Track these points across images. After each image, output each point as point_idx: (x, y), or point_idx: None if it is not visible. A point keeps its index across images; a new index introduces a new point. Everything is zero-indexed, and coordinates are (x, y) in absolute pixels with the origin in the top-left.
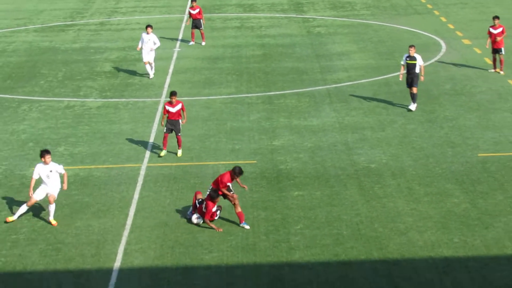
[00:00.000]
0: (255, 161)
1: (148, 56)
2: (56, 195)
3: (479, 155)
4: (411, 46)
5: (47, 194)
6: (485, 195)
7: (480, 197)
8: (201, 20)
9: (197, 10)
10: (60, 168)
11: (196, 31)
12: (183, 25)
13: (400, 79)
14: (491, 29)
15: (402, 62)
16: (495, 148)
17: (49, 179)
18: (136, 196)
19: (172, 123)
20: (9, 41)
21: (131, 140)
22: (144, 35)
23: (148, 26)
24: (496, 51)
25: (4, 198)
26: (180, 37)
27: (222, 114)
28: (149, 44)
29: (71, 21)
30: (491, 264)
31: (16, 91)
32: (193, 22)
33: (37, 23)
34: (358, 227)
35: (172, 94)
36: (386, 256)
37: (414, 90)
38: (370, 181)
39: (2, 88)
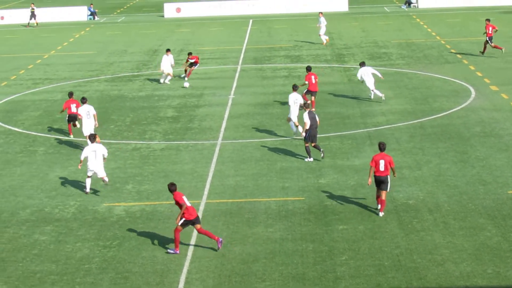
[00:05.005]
0: (303, 198)
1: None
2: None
3: (509, 192)
4: (307, 106)
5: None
6: None
7: (511, 231)
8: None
9: (195, 60)
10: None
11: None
12: (237, 74)
13: (302, 135)
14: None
15: (305, 120)
16: None
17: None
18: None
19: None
20: (83, 89)
21: (191, 179)
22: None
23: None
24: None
25: (78, 230)
26: (234, 85)
27: (273, 155)
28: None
29: (138, 71)
30: None
31: None
32: (191, 64)
33: (108, 74)
34: (398, 258)
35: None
36: (425, 285)
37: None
38: (409, 216)
39: (77, 132)
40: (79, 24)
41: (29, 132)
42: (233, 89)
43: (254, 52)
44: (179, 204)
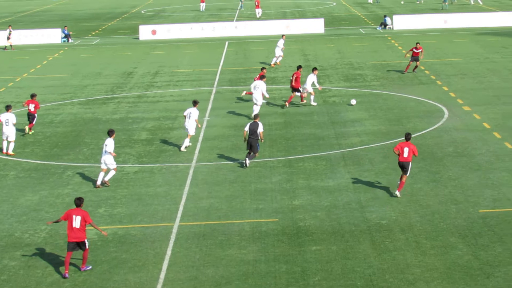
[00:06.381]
0: (277, 219)
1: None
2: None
3: (480, 211)
4: (256, 116)
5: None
6: (486, 248)
7: (482, 249)
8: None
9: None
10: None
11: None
12: (212, 96)
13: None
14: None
15: (245, 128)
16: (494, 205)
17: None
18: (169, 252)
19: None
20: (56, 113)
21: (164, 202)
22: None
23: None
24: (296, 90)
25: (49, 255)
26: (209, 107)
27: (247, 177)
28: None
29: (112, 94)
30: None
31: (62, 158)
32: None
33: (82, 97)
34: (370, 278)
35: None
36: None
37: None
38: (381, 236)
39: (49, 156)
40: (53, 46)
41: (0, 157)
42: (208, 111)
43: (230, 74)
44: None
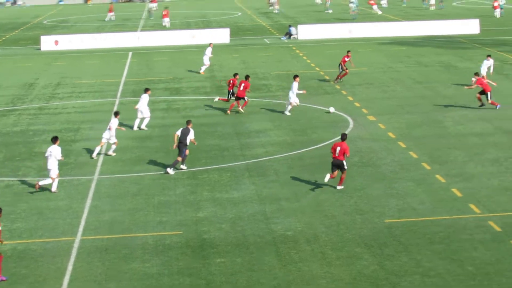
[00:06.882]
0: (181, 232)
1: None
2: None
3: (385, 221)
4: (188, 122)
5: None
6: (392, 257)
7: (387, 259)
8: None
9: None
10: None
11: None
12: (115, 108)
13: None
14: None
15: (177, 132)
16: (399, 215)
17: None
18: (70, 267)
19: None
20: None
21: (66, 216)
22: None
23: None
24: (238, 98)
25: None
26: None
27: (150, 189)
28: None
29: (12, 106)
30: None
31: None
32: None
33: None
34: None
35: None
36: None
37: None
38: (287, 247)
39: None
40: None
41: None
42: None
43: (133, 85)
44: None
